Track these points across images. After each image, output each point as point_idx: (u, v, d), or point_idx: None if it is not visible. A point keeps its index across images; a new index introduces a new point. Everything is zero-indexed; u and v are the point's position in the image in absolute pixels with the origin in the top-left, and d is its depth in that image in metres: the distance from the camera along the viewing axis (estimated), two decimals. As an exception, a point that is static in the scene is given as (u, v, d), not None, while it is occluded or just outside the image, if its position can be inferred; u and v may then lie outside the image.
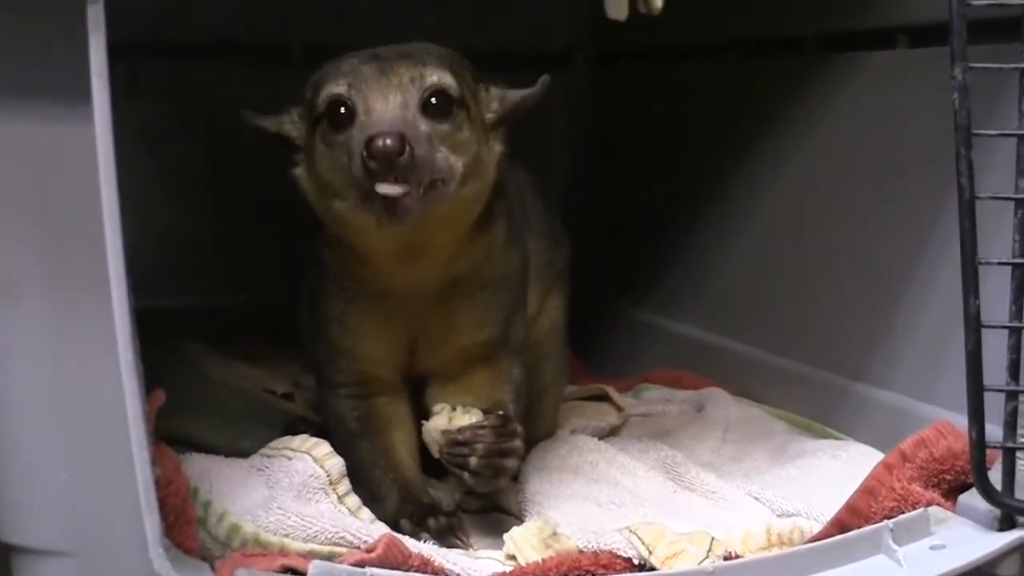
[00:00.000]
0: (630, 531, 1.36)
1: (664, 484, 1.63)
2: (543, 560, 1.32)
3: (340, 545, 1.32)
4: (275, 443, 1.49)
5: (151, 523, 1.10)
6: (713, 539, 1.34)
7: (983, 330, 1.28)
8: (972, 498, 1.36)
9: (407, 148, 1.31)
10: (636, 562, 1.33)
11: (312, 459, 1.44)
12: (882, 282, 1.76)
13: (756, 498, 1.58)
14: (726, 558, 1.33)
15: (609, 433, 1.88)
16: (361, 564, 1.22)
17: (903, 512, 1.37)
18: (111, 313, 1.07)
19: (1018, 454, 1.31)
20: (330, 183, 1.42)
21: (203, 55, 2.26)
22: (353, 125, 1.38)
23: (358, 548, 1.31)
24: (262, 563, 1.24)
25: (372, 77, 1.39)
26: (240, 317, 2.24)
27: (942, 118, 1.30)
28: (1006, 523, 1.33)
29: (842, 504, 1.41)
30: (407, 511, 1.49)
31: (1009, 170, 1.30)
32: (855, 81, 1.84)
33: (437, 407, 1.53)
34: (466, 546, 1.44)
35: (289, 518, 1.33)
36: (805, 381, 1.91)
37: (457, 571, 1.33)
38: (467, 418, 1.50)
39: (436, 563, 1.31)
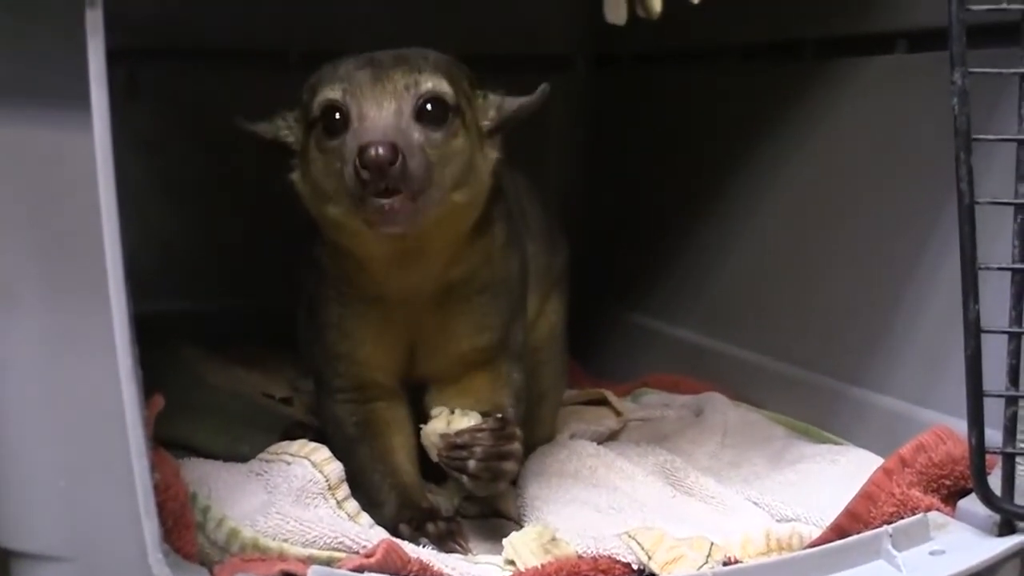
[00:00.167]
0: (629, 536, 1.35)
1: (663, 489, 1.63)
2: (542, 565, 1.31)
3: (339, 550, 1.32)
4: (274, 448, 1.49)
5: (150, 528, 1.10)
6: (712, 544, 1.34)
7: (983, 335, 1.28)
8: (972, 503, 1.36)
9: (399, 158, 1.31)
10: (635, 567, 1.33)
11: (311, 464, 1.44)
12: (881, 286, 1.76)
13: (755, 503, 1.58)
14: (725, 563, 1.33)
15: (608, 438, 1.88)
16: (360, 569, 1.22)
17: (902, 517, 1.37)
18: (110, 318, 1.07)
19: (1018, 459, 1.31)
20: (324, 188, 1.41)
21: (202, 59, 2.26)
22: (347, 131, 1.38)
23: (357, 553, 1.31)
24: (261, 568, 1.24)
25: (367, 83, 1.39)
26: (238, 321, 2.24)
27: (941, 123, 1.30)
28: (1006, 528, 1.33)
29: (841, 509, 1.41)
30: (406, 516, 1.49)
31: (1008, 174, 1.30)
32: (854, 86, 1.84)
33: (435, 411, 1.53)
34: (465, 551, 1.44)
35: (288, 523, 1.33)
36: (804, 386, 1.90)
37: (456, 576, 1.33)
38: (465, 421, 1.50)
39: (435, 568, 1.31)
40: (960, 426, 1.35)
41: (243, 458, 1.51)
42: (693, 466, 1.70)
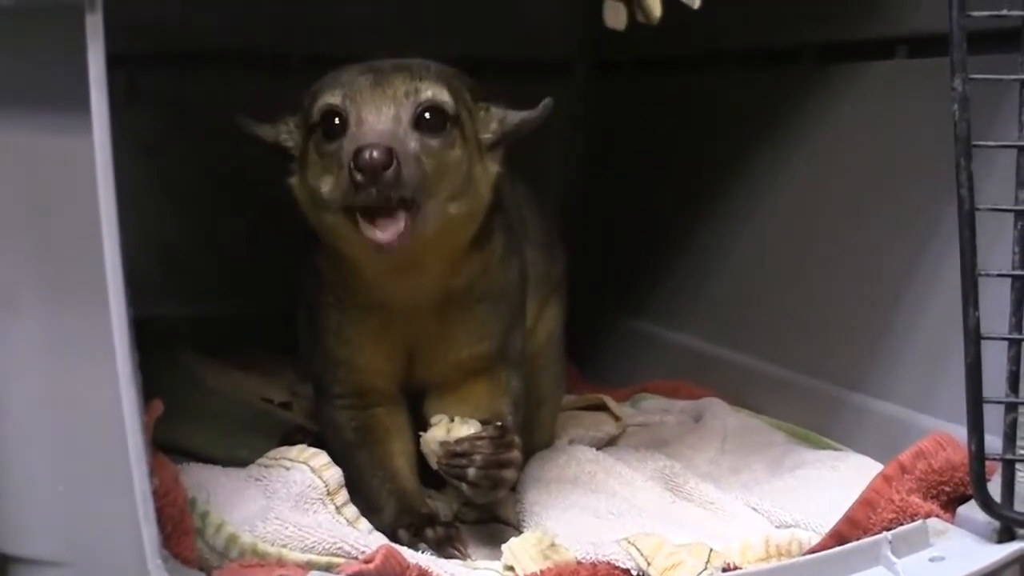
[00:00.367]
0: (628, 542, 1.35)
1: (662, 495, 1.63)
2: (541, 571, 1.31)
3: (338, 555, 1.32)
4: (273, 453, 1.49)
5: (149, 533, 1.09)
6: (711, 550, 1.34)
7: (983, 342, 1.28)
8: (971, 510, 1.36)
9: (394, 162, 1.31)
10: (634, 573, 1.32)
11: (310, 469, 1.43)
12: (881, 292, 1.76)
13: (754, 509, 1.58)
14: (724, 570, 1.33)
15: (607, 443, 1.88)
16: (359, 574, 1.22)
17: (902, 524, 1.36)
18: (109, 323, 1.07)
19: (1017, 466, 1.31)
20: (321, 193, 1.41)
21: (202, 63, 2.26)
22: (345, 135, 1.38)
23: (356, 558, 1.31)
24: (260, 573, 1.24)
25: (367, 89, 1.39)
26: (238, 326, 2.24)
27: (941, 128, 1.30)
28: (1005, 535, 1.33)
29: (841, 515, 1.40)
30: (405, 521, 1.48)
31: (1008, 181, 1.30)
32: (854, 91, 1.84)
33: (435, 418, 1.53)
34: (464, 557, 1.44)
35: (287, 528, 1.33)
36: (804, 391, 1.90)
37: (455, 582, 1.33)
38: (465, 429, 1.50)
39: (434, 574, 1.31)
40: (960, 432, 1.35)
41: (242, 463, 1.51)
42: (692, 472, 1.70)
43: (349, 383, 1.58)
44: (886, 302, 1.74)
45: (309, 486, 1.42)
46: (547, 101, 1.48)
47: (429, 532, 1.46)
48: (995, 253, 1.30)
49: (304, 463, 1.44)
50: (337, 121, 1.39)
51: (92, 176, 1.06)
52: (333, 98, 1.40)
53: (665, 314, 2.28)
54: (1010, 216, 1.29)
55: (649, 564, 1.32)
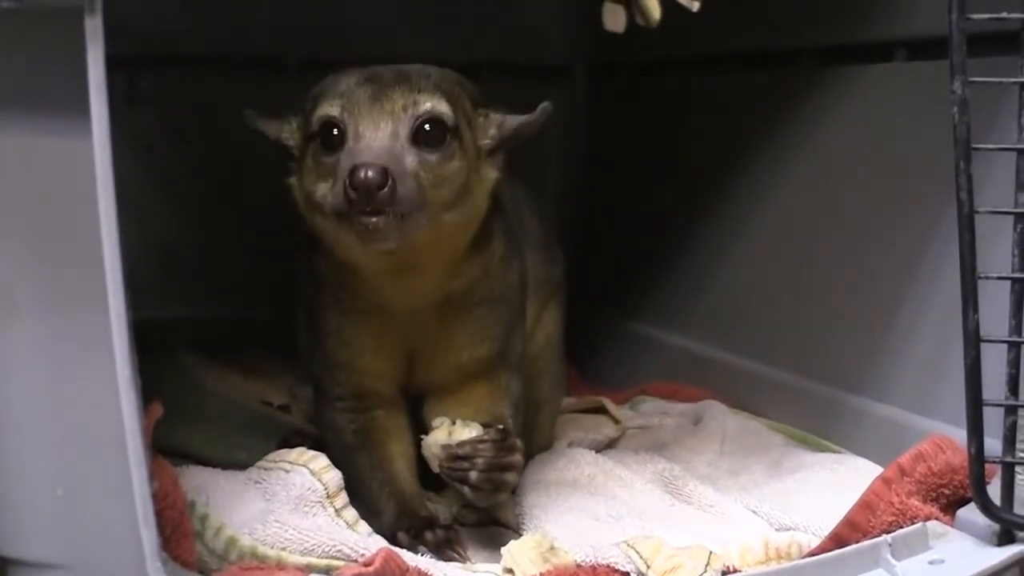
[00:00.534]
0: (628, 545, 1.35)
1: (662, 497, 1.63)
2: (540, 574, 1.31)
3: (337, 558, 1.32)
4: (272, 456, 1.49)
5: (148, 537, 1.09)
6: (711, 553, 1.34)
7: (982, 344, 1.28)
8: (971, 513, 1.36)
9: (389, 182, 1.31)
10: (634, 576, 1.33)
11: (309, 472, 1.43)
12: (880, 295, 1.76)
13: (754, 512, 1.58)
14: (724, 572, 1.33)
15: (607, 446, 1.88)
16: (358, 577, 1.22)
17: (901, 527, 1.36)
18: (109, 326, 1.07)
19: (1017, 469, 1.31)
20: (317, 199, 1.41)
21: (202, 66, 2.26)
22: (343, 149, 1.38)
23: (355, 561, 1.30)
24: (259, 576, 1.24)
25: (365, 102, 1.39)
26: (237, 328, 2.24)
27: (940, 131, 1.30)
28: (1005, 538, 1.33)
29: (840, 518, 1.40)
30: (404, 524, 1.49)
31: (1008, 183, 1.30)
32: (853, 94, 1.84)
33: (437, 421, 1.53)
34: (463, 559, 1.44)
35: (286, 531, 1.33)
36: (803, 394, 1.90)
37: (454, 584, 1.33)
38: (467, 432, 1.50)
39: (433, 576, 1.31)
40: (959, 435, 1.35)
41: (241, 465, 1.51)
42: (691, 474, 1.70)
43: (349, 385, 1.58)
44: (885, 305, 1.74)
45: (309, 489, 1.41)
46: (545, 105, 1.48)
47: (428, 535, 1.46)
48: (995, 256, 1.30)
49: (304, 466, 1.44)
50: (335, 132, 1.39)
51: (92, 178, 1.06)
52: (332, 109, 1.40)
53: (664, 316, 2.28)
54: (1009, 219, 1.29)
55: (648, 567, 1.32)
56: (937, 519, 1.38)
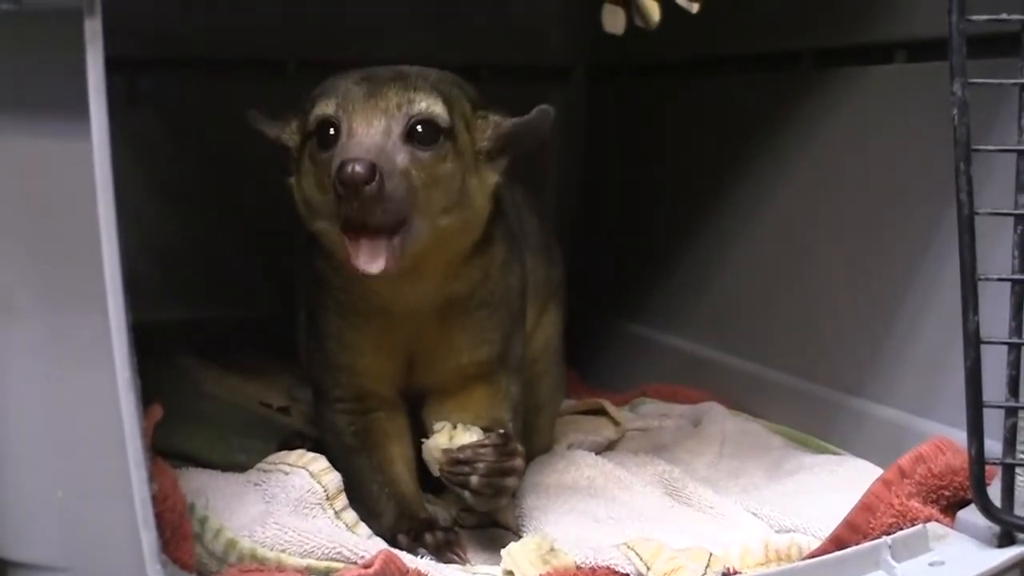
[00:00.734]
0: (628, 547, 1.35)
1: (662, 499, 1.63)
2: (541, 576, 1.31)
3: (337, 560, 1.32)
4: (272, 458, 1.49)
5: (148, 539, 1.09)
6: (711, 555, 1.34)
7: (982, 346, 1.28)
8: (971, 514, 1.36)
9: (376, 177, 1.30)
10: (633, 578, 1.33)
11: (309, 474, 1.43)
12: (880, 297, 1.76)
13: (754, 513, 1.58)
14: (724, 574, 1.33)
15: (606, 448, 1.88)
16: (358, 579, 1.22)
17: (901, 528, 1.36)
18: (108, 328, 1.07)
19: (1017, 470, 1.31)
20: (314, 201, 1.41)
21: (202, 68, 2.26)
22: (336, 146, 1.38)
23: (355, 563, 1.31)
24: (259, 578, 1.24)
25: (360, 100, 1.39)
26: (237, 330, 2.24)
27: (940, 133, 1.30)
28: (1005, 540, 1.33)
29: (840, 520, 1.40)
30: (404, 526, 1.48)
31: (1008, 185, 1.30)
32: (852, 96, 1.84)
33: (438, 425, 1.53)
34: (463, 561, 1.44)
35: (286, 533, 1.33)
36: (802, 396, 1.90)
37: (454, 586, 1.33)
38: (468, 436, 1.49)
39: (433, 578, 1.31)
40: (960, 437, 1.35)
41: (240, 468, 1.51)
42: (691, 476, 1.69)
43: (349, 387, 1.58)
44: (885, 306, 1.74)
45: (308, 491, 1.41)
46: (544, 107, 1.46)
47: (428, 537, 1.46)
48: (995, 257, 1.30)
49: (303, 468, 1.44)
50: (331, 131, 1.39)
51: (91, 180, 1.06)
52: (328, 108, 1.40)
53: (664, 318, 2.28)
54: (1009, 220, 1.29)
55: (648, 569, 1.31)
56: (937, 521, 1.38)
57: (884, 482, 1.42)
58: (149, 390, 1.19)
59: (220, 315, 2.28)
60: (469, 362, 1.56)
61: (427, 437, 1.52)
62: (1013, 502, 1.31)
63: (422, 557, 1.39)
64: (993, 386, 1.29)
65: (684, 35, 1.73)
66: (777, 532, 1.52)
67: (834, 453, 1.77)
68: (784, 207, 1.98)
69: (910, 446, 1.46)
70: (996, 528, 1.33)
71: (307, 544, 1.32)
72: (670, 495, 1.65)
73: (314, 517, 1.40)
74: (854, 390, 1.80)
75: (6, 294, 1.10)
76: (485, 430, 1.51)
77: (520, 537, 1.50)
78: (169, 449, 1.54)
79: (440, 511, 1.59)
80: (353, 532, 1.41)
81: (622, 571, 1.33)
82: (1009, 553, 1.31)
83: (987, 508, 1.31)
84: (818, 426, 1.85)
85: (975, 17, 1.25)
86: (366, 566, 1.26)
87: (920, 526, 1.36)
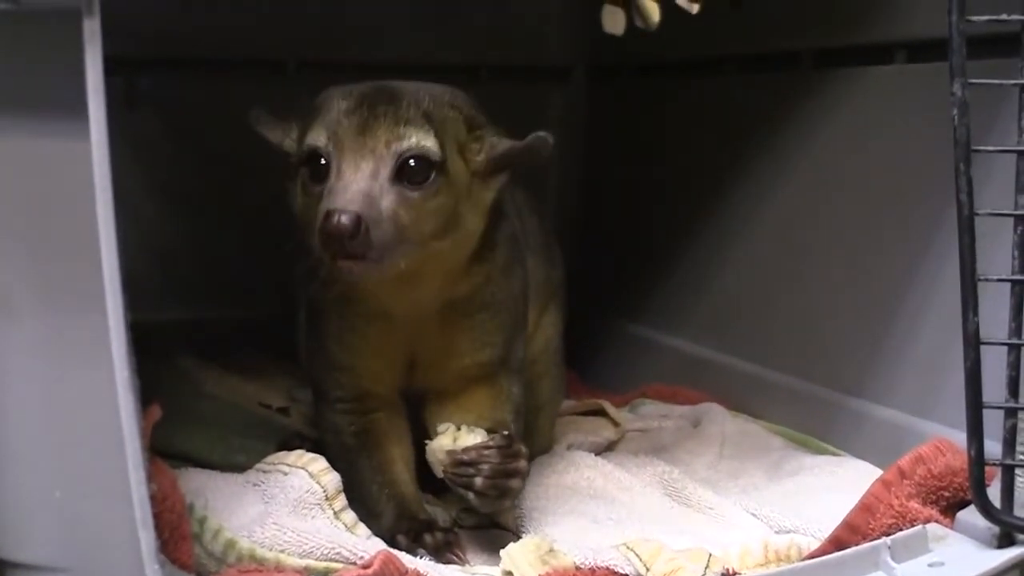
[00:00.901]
0: (627, 548, 1.35)
1: (661, 500, 1.63)
2: (540, 576, 1.31)
3: (336, 561, 1.32)
4: (271, 458, 1.49)
5: (147, 539, 1.09)
6: (711, 556, 1.34)
7: (982, 347, 1.28)
8: (971, 515, 1.36)
9: (361, 229, 1.30)
10: (633, 579, 1.33)
11: (308, 474, 1.43)
12: (880, 297, 1.76)
13: (753, 514, 1.58)
14: (724, 575, 1.33)
15: (606, 449, 1.88)
16: (357, 580, 1.22)
17: (901, 529, 1.36)
18: (107, 328, 1.07)
19: (1017, 471, 1.31)
20: (304, 219, 1.41)
21: (201, 69, 2.26)
22: (326, 183, 1.37)
23: (354, 564, 1.30)
24: (258, 579, 1.24)
25: (350, 136, 1.37)
26: (236, 331, 2.24)
27: (940, 133, 1.30)
28: (1005, 540, 1.33)
29: (840, 521, 1.40)
30: (403, 527, 1.48)
31: (1008, 185, 1.30)
32: (852, 96, 1.84)
33: (442, 427, 1.52)
34: (462, 562, 1.44)
35: (285, 533, 1.33)
36: (802, 396, 1.90)
37: (454, 587, 1.33)
38: (472, 438, 1.49)
39: (432, 579, 1.31)
40: (959, 438, 1.35)
41: (239, 468, 1.51)
42: (691, 477, 1.69)
43: (350, 387, 1.57)
44: (885, 307, 1.74)
45: (307, 491, 1.41)
46: (542, 135, 1.43)
47: (428, 538, 1.46)
48: (994, 258, 1.30)
49: (302, 468, 1.44)
50: (322, 163, 1.38)
51: (90, 180, 1.05)
52: (319, 139, 1.39)
53: (663, 319, 2.28)
54: (1009, 221, 1.29)
55: (648, 570, 1.31)
56: (937, 522, 1.38)
57: (884, 483, 1.42)
58: (148, 390, 1.19)
59: (220, 315, 2.28)
60: (471, 364, 1.56)
61: (428, 438, 1.52)
62: (1013, 503, 1.31)
63: (421, 558, 1.39)
64: (993, 387, 1.29)
65: (684, 35, 1.73)
66: (777, 533, 1.52)
67: (834, 454, 1.77)
68: (784, 207, 1.98)
69: (910, 447, 1.46)
70: (996, 529, 1.33)
71: (306, 544, 1.32)
72: (670, 496, 1.65)
73: (313, 517, 1.40)
74: (854, 391, 1.80)
75: (5, 294, 1.10)
76: (488, 431, 1.51)
77: (519, 538, 1.50)
78: (168, 449, 1.54)
79: (440, 512, 1.59)
80: (352, 532, 1.41)
81: (621, 572, 1.33)
82: (1009, 554, 1.31)
83: (987, 509, 1.31)
84: (818, 427, 1.85)
85: (975, 17, 1.25)
86: (365, 566, 1.26)
87: (920, 527, 1.36)
